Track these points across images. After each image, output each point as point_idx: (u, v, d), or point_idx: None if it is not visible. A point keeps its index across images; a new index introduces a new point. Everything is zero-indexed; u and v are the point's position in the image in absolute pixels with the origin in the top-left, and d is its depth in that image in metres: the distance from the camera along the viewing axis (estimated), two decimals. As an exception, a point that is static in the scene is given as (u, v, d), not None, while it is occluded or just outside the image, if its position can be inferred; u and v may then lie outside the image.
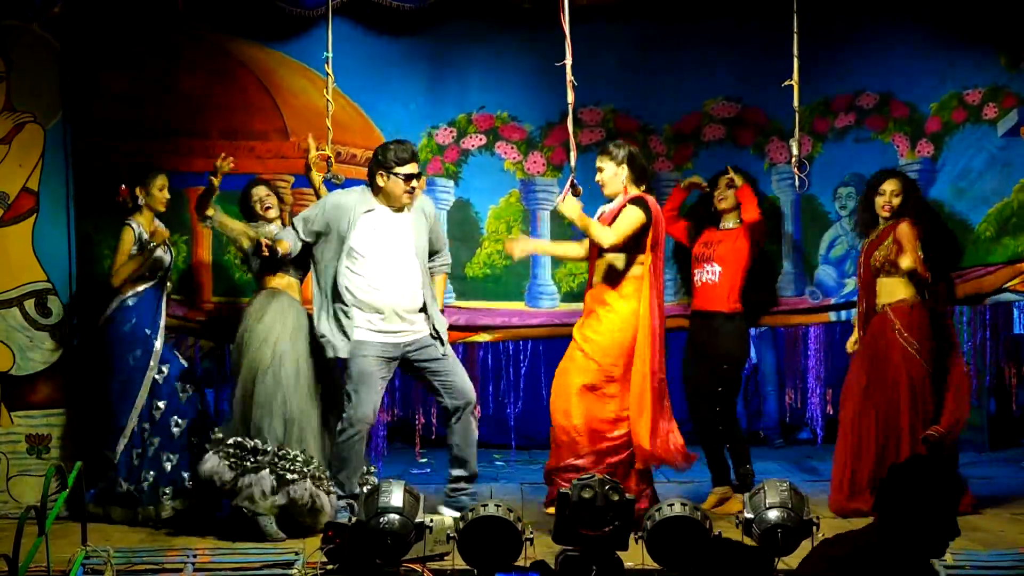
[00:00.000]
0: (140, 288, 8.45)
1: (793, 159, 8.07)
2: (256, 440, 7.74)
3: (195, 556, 6.95)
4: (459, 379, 7.99)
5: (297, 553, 6.94)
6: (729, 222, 8.72)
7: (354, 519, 6.63)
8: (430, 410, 10.17)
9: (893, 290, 8.29)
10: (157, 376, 8.40)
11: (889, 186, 8.42)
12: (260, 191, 8.46)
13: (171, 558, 6.96)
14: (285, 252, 7.83)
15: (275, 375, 7.87)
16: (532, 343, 11.42)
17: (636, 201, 8.03)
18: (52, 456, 8.59)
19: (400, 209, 7.89)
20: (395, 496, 6.49)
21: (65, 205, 8.72)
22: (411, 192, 7.85)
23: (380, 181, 7.83)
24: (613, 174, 8.09)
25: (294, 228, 7.98)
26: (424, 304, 7.93)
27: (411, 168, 7.81)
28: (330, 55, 7.85)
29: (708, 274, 8.60)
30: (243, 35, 9.01)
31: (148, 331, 8.41)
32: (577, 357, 8.07)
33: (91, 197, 8.75)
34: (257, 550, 7.23)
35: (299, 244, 7.94)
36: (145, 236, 8.44)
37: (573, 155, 7.64)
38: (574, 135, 7.59)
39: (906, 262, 8.16)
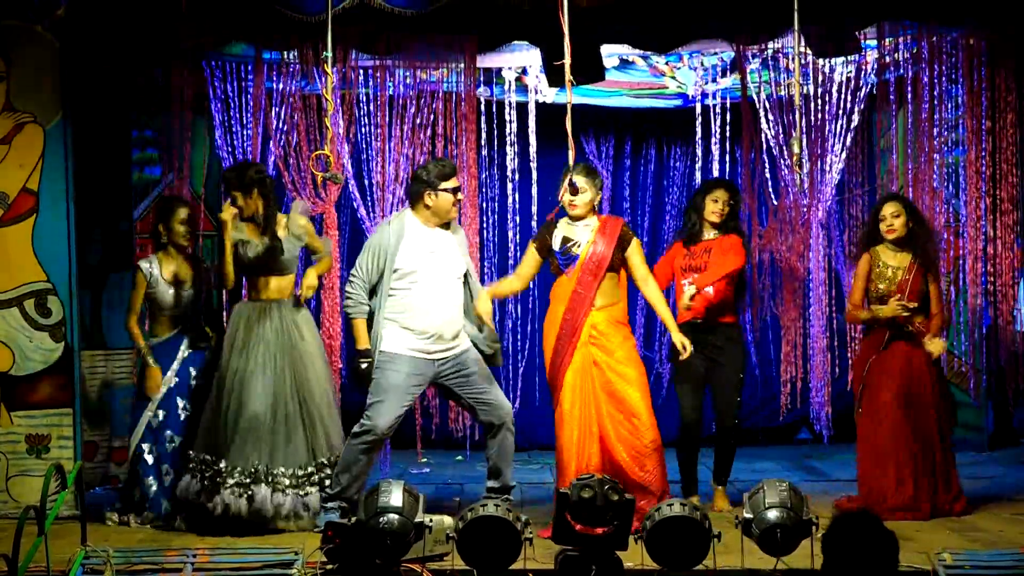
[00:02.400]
0: (165, 336, 8.58)
1: (794, 157, 8.05)
2: (210, 455, 7.98)
3: (194, 556, 6.92)
4: (494, 395, 8.02)
5: (296, 553, 6.91)
6: (711, 232, 8.70)
7: (353, 519, 6.60)
8: (429, 411, 10.14)
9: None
10: (153, 418, 8.46)
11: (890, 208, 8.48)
12: (183, 213, 8.56)
13: (170, 558, 6.93)
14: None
15: (230, 385, 8.06)
16: (527, 342, 11.42)
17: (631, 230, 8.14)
18: (52, 456, 8.55)
19: (444, 227, 7.96)
20: (395, 496, 6.47)
21: (65, 205, 8.69)
22: (457, 205, 7.98)
23: (429, 200, 7.88)
24: (591, 199, 8.02)
25: (361, 286, 7.86)
26: (461, 322, 7.98)
27: (455, 182, 7.93)
28: (331, 55, 7.82)
29: (692, 287, 8.56)
30: (244, 39, 9.00)
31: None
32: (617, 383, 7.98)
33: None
34: (256, 550, 7.20)
35: (369, 304, 7.90)
36: (156, 274, 8.50)
37: (572, 156, 7.62)
38: (573, 134, 7.57)
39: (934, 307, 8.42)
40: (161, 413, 8.44)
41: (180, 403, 8.48)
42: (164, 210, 8.67)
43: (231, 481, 7.91)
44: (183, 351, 8.54)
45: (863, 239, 8.66)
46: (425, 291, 7.83)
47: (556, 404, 7.98)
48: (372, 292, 7.89)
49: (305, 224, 8.38)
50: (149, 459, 8.40)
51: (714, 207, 8.66)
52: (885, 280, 8.35)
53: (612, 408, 7.86)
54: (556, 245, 8.03)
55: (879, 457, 8.30)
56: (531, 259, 8.17)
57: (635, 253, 8.02)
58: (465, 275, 8.06)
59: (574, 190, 7.85)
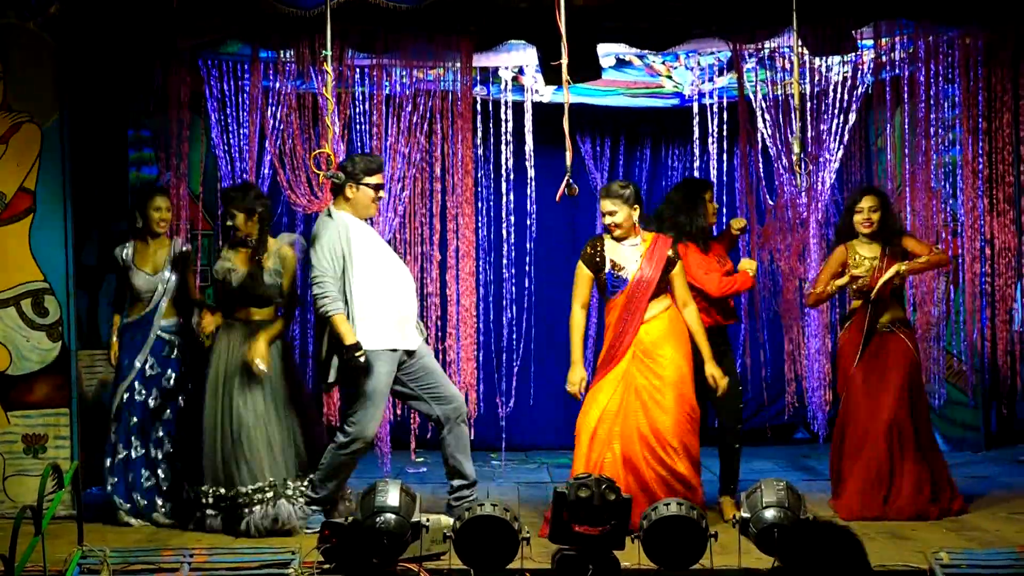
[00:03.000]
0: (139, 315, 8.66)
1: (795, 156, 8.06)
2: (214, 486, 8.07)
3: (191, 556, 6.90)
4: (449, 388, 7.94)
5: (293, 553, 6.90)
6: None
7: (349, 518, 6.60)
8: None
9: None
10: (137, 397, 8.53)
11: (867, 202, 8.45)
12: (160, 202, 8.67)
13: (167, 558, 6.91)
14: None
15: (219, 403, 8.13)
16: (523, 341, 11.42)
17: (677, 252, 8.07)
18: (49, 456, 8.55)
19: (368, 221, 7.95)
20: (391, 496, 6.47)
21: (62, 205, 8.69)
22: (377, 202, 7.93)
23: (349, 192, 7.82)
24: (627, 216, 7.95)
25: (331, 282, 7.69)
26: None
27: (379, 178, 7.87)
28: (329, 53, 7.82)
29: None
30: (238, 36, 9.00)
31: (127, 361, 8.56)
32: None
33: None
34: (253, 549, 7.19)
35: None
36: (130, 259, 8.62)
37: (569, 155, 7.62)
38: (570, 134, 7.57)
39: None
40: (125, 396, 8.54)
41: (137, 386, 8.54)
42: (141, 197, 8.79)
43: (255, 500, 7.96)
44: (154, 333, 8.59)
45: (840, 232, 8.66)
46: (388, 278, 7.76)
47: (582, 414, 7.93)
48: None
49: (290, 257, 8.33)
50: (112, 438, 8.52)
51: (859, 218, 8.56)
52: (861, 269, 8.35)
53: (647, 433, 7.80)
54: (607, 267, 7.97)
55: (854, 456, 8.32)
56: (585, 279, 8.05)
57: (679, 275, 7.99)
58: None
59: (571, 191, 7.85)
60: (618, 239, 7.99)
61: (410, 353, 7.80)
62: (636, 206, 7.96)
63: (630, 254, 7.96)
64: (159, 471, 8.51)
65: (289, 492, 7.94)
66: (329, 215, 7.85)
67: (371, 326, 7.68)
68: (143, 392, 8.55)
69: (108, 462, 8.50)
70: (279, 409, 8.12)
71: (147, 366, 8.57)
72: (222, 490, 8.02)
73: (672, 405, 7.78)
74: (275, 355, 8.16)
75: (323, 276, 7.64)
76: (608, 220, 7.96)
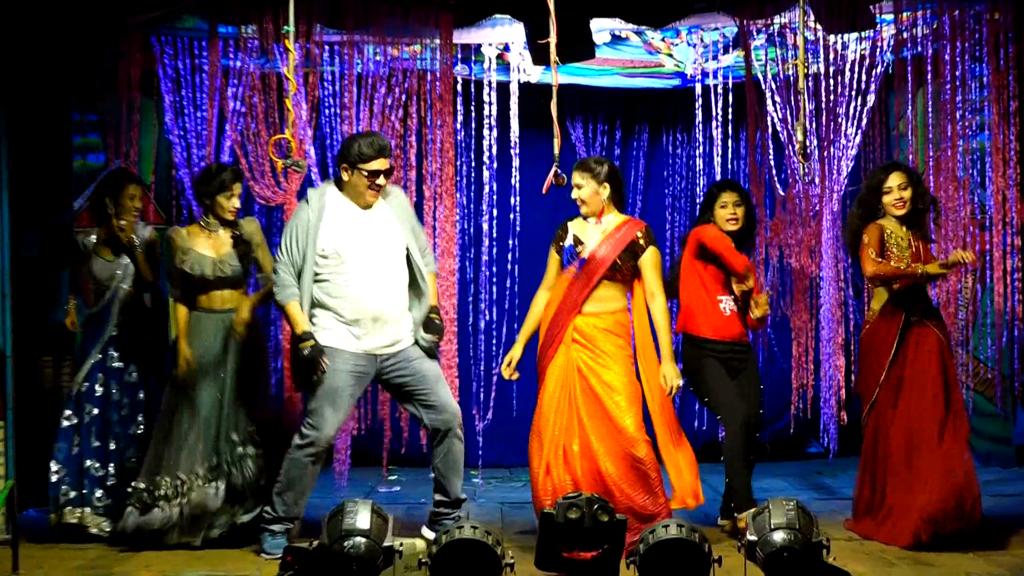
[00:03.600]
0: (99, 305, 8.78)
1: (798, 145, 8.04)
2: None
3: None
4: (441, 397, 7.88)
5: (254, 580, 6.87)
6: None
7: (314, 542, 6.54)
8: (398, 422, 10.10)
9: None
10: (97, 388, 8.61)
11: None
12: (135, 190, 8.75)
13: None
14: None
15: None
16: (504, 347, 11.38)
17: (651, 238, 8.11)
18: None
19: (367, 207, 7.81)
20: (361, 517, 6.42)
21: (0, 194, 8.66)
22: (375, 190, 7.76)
23: (344, 176, 7.76)
24: (594, 192, 8.05)
25: (285, 270, 7.73)
26: (400, 309, 7.83)
27: (377, 164, 7.72)
28: (292, 29, 7.77)
29: (732, 303, 8.50)
30: (193, 9, 8.98)
31: (89, 350, 8.66)
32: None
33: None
34: (210, 574, 7.16)
35: (298, 286, 7.72)
36: (89, 246, 8.75)
37: (557, 142, 7.59)
38: (559, 118, 7.54)
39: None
40: (84, 386, 8.62)
41: (99, 377, 8.63)
42: (114, 183, 8.78)
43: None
44: (110, 330, 8.67)
45: (858, 215, 8.43)
46: (355, 275, 7.68)
47: (536, 413, 8.04)
48: (299, 277, 7.76)
49: (255, 229, 8.46)
50: (65, 427, 8.59)
51: (724, 213, 8.56)
52: (900, 249, 8.25)
53: (596, 420, 7.85)
54: (567, 241, 8.09)
55: (888, 469, 8.23)
56: (553, 262, 8.26)
57: (649, 263, 8.03)
58: (407, 251, 7.87)
59: (559, 181, 7.82)
60: (586, 217, 8.11)
61: (393, 356, 7.76)
62: (606, 184, 8.04)
63: (594, 232, 8.08)
64: (110, 466, 8.55)
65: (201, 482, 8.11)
66: (314, 194, 7.88)
67: (331, 322, 7.70)
68: (103, 384, 8.62)
69: (58, 452, 8.53)
70: (228, 406, 8.26)
71: (108, 357, 8.63)
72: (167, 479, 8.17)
73: (620, 389, 7.88)
74: (234, 353, 8.30)
75: (279, 262, 7.75)
76: (574, 194, 8.09)
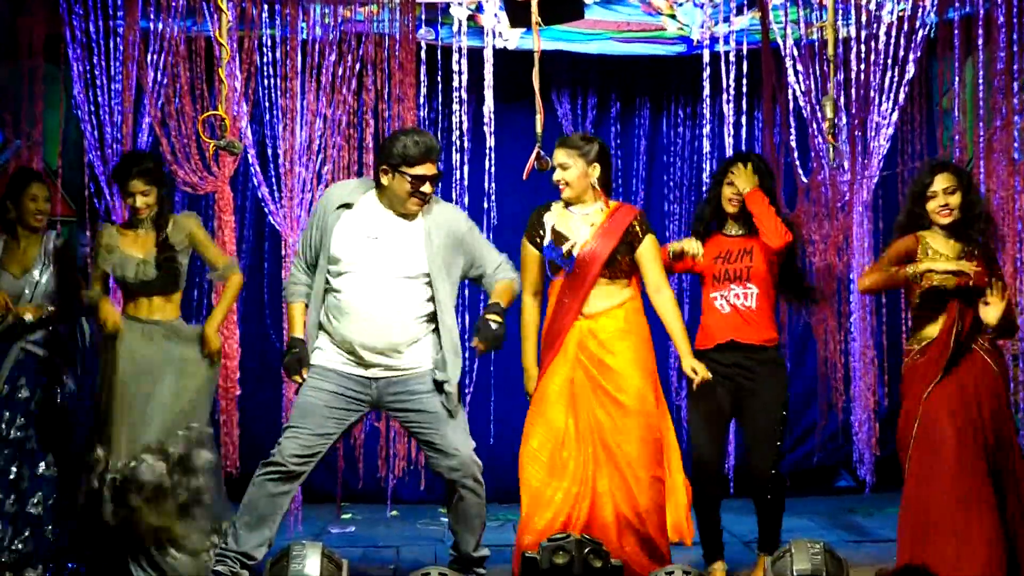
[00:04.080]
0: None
1: (826, 123, 8.07)
2: None
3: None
4: (448, 439, 7.76)
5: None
6: (738, 227, 8.60)
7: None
8: (353, 452, 10.13)
9: None
10: None
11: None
12: (38, 190, 8.71)
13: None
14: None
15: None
16: (480, 369, 11.41)
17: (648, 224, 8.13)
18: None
19: (404, 216, 7.76)
20: (310, 563, 6.47)
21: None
22: (419, 198, 7.67)
23: (383, 178, 7.70)
24: (582, 174, 8.00)
25: (299, 264, 7.83)
26: (404, 343, 7.74)
27: (424, 169, 7.63)
28: (225, -10, 7.79)
29: (741, 297, 8.51)
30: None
31: None
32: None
33: None
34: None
35: (311, 284, 7.80)
36: None
37: (540, 118, 7.62)
38: (543, 90, 7.58)
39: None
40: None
41: (6, 415, 8.62)
42: (14, 184, 8.76)
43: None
44: (16, 353, 8.68)
45: (903, 223, 8.35)
46: (355, 291, 7.66)
47: (524, 438, 7.99)
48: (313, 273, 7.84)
49: (192, 224, 8.53)
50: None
51: (730, 192, 8.58)
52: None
53: (602, 452, 7.86)
54: (545, 238, 8.04)
55: (933, 518, 8.24)
56: (533, 260, 8.16)
57: (648, 254, 8.02)
58: (430, 277, 7.77)
59: (542, 164, 7.83)
60: (568, 203, 8.05)
61: (394, 384, 7.74)
62: (596, 165, 7.99)
63: (580, 224, 8.03)
64: (29, 528, 8.55)
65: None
66: (352, 183, 7.99)
67: (324, 341, 7.74)
68: (6, 421, 8.60)
69: None
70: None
71: (12, 388, 8.62)
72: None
73: (634, 428, 7.86)
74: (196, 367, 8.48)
75: (296, 257, 7.89)
76: (558, 175, 8.01)
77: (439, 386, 7.73)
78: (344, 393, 7.67)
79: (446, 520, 8.03)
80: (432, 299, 7.72)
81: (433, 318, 7.74)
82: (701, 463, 8.40)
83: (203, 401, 8.54)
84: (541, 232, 8.07)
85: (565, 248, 7.96)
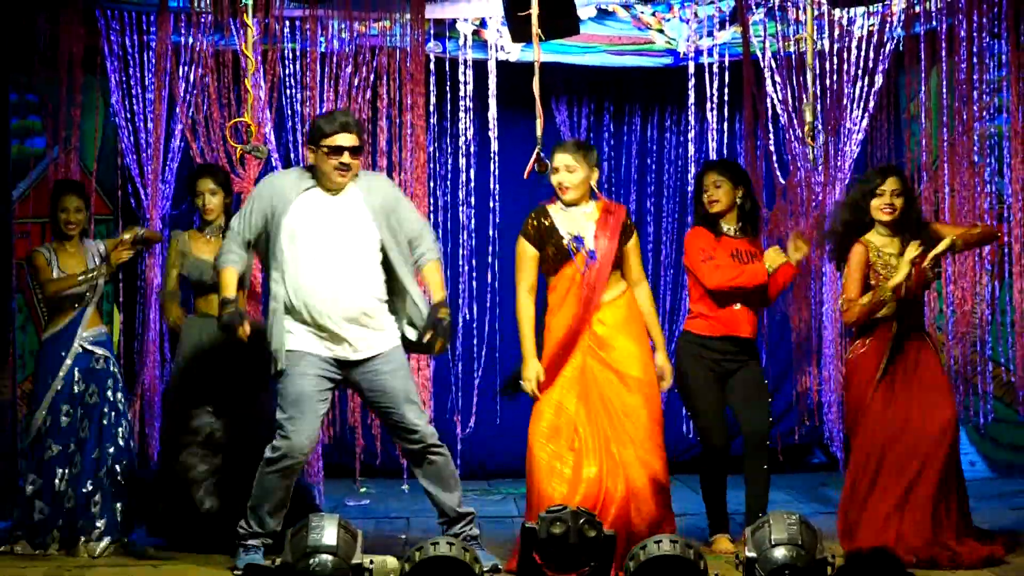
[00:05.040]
0: (58, 327, 8.79)
1: (806, 127, 8.08)
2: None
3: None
4: (408, 419, 7.77)
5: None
6: (730, 226, 8.64)
7: (277, 560, 6.59)
8: (370, 430, 10.15)
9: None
10: (63, 419, 8.61)
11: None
12: (69, 202, 8.67)
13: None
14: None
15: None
16: (485, 348, 11.41)
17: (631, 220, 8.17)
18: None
19: (336, 192, 7.75)
20: (328, 533, 6.44)
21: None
22: (342, 169, 7.65)
23: (311, 157, 7.69)
24: (585, 178, 7.93)
25: (234, 238, 7.78)
26: (370, 311, 7.76)
27: (340, 140, 7.60)
28: (250, 2, 7.82)
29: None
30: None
31: (49, 380, 8.67)
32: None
33: None
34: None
35: (244, 256, 7.80)
36: (51, 258, 8.69)
37: (539, 124, 7.63)
38: (543, 99, 7.59)
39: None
40: (48, 420, 8.57)
41: (63, 408, 8.57)
42: (52, 196, 8.77)
43: None
44: (76, 346, 8.64)
45: (844, 223, 8.34)
46: (313, 265, 7.60)
47: (534, 420, 7.92)
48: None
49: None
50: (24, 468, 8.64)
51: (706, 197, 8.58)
52: (890, 268, 8.25)
53: (611, 430, 7.85)
54: (564, 238, 7.92)
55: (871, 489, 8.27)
56: (530, 260, 8.00)
57: (634, 249, 8.04)
58: (383, 245, 7.77)
59: (542, 167, 7.83)
60: (568, 204, 7.98)
61: (356, 363, 7.80)
62: (596, 169, 7.99)
63: (584, 221, 7.97)
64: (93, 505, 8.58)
65: None
66: (295, 169, 7.96)
67: (295, 325, 7.66)
68: (69, 414, 8.59)
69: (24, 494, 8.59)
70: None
71: (72, 384, 8.61)
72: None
73: (640, 405, 7.86)
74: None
75: (230, 234, 7.80)
76: (561, 177, 7.89)
77: (418, 343, 7.79)
78: (324, 375, 7.66)
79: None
80: (387, 263, 7.72)
81: (391, 285, 7.76)
82: (712, 447, 8.47)
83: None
84: (545, 232, 7.93)
85: (585, 245, 7.89)
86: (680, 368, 8.46)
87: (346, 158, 7.59)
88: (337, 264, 7.62)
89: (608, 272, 7.90)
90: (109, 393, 8.65)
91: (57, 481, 8.47)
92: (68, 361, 8.58)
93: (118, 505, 8.54)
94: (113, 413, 8.64)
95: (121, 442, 8.64)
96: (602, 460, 7.74)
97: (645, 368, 7.92)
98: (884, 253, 8.15)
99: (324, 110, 9.58)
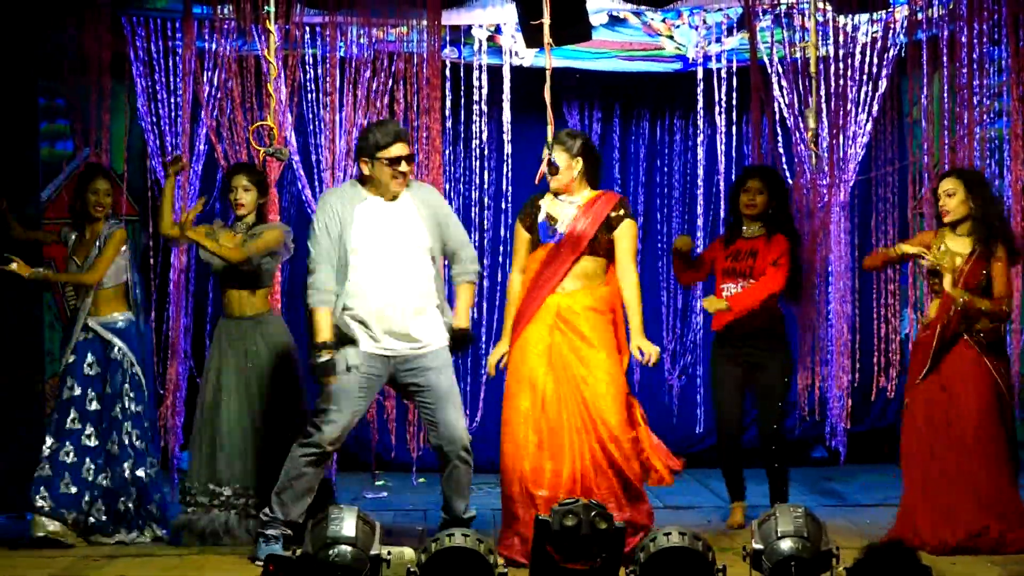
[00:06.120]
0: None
1: (809, 133, 8.05)
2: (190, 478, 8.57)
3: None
4: (447, 417, 7.82)
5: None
6: (755, 227, 8.76)
7: (298, 551, 6.56)
8: (386, 425, 10.11)
9: None
10: (75, 393, 8.61)
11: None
12: (100, 184, 8.63)
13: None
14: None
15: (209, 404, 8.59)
16: (495, 344, 11.37)
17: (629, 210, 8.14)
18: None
19: (393, 199, 7.75)
20: (347, 524, 6.41)
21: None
22: (400, 177, 7.69)
23: (365, 170, 7.71)
24: (566, 166, 7.99)
25: (322, 261, 7.68)
26: (425, 309, 7.77)
27: (397, 150, 7.66)
28: (272, 9, 7.79)
29: (735, 287, 8.65)
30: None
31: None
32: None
33: None
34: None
35: (334, 289, 7.70)
36: (73, 243, 8.73)
37: (551, 129, 7.60)
38: (555, 104, 7.56)
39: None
40: (77, 390, 8.62)
41: (75, 385, 8.61)
42: (81, 180, 8.74)
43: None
44: (78, 327, 8.65)
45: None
46: (370, 269, 7.66)
47: (506, 398, 8.04)
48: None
49: (266, 232, 8.63)
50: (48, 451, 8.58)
51: (745, 198, 8.83)
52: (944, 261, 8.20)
53: (577, 411, 7.90)
54: (540, 218, 8.05)
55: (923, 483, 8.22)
56: (523, 242, 8.18)
57: (624, 237, 8.00)
58: (431, 247, 7.81)
59: (553, 169, 7.85)
60: (556, 193, 8.05)
61: (406, 359, 7.77)
62: (579, 159, 7.99)
63: (566, 210, 8.03)
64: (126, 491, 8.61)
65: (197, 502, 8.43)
66: (343, 186, 7.95)
67: (348, 321, 7.68)
68: (80, 391, 8.60)
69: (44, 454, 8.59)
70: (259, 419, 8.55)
71: (85, 364, 8.61)
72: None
73: (604, 378, 7.92)
74: (269, 359, 8.56)
75: (315, 262, 7.70)
76: (545, 168, 8.03)
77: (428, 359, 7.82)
78: (369, 373, 7.69)
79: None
80: (434, 269, 7.80)
81: (437, 290, 7.83)
82: (723, 419, 9.00)
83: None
84: (535, 214, 8.08)
85: (554, 227, 7.99)
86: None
87: (403, 167, 7.67)
88: (397, 266, 7.70)
89: (578, 251, 7.97)
90: (120, 388, 8.61)
91: (80, 465, 8.53)
92: (79, 335, 8.61)
93: (129, 501, 8.56)
94: (119, 408, 8.61)
95: (126, 439, 8.58)
96: (570, 437, 7.88)
97: (608, 346, 8.01)
98: (946, 247, 8.30)
99: (343, 116, 9.57)
